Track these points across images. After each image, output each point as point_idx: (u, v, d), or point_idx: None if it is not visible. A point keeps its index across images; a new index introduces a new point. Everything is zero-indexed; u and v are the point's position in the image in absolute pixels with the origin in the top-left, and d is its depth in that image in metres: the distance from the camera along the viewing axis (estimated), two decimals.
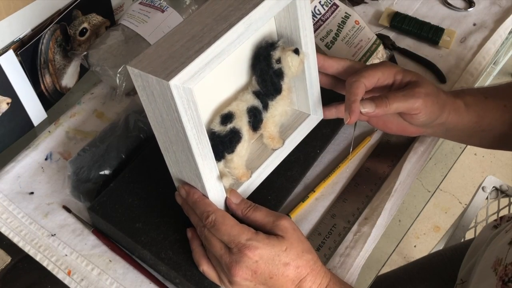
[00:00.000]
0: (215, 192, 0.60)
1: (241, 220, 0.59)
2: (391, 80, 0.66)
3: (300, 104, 0.71)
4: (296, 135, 0.70)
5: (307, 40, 0.64)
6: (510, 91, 0.71)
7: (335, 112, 0.71)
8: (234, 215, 0.59)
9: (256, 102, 0.63)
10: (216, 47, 0.53)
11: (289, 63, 0.62)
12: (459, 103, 0.68)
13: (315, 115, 0.71)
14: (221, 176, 0.60)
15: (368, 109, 0.63)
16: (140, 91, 0.54)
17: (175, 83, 0.50)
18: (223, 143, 0.60)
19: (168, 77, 0.50)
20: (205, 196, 0.59)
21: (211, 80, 0.59)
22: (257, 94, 0.63)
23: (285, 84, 0.64)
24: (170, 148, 0.57)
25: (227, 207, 0.61)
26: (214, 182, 0.59)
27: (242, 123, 0.61)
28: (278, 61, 0.62)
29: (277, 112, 0.65)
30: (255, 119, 0.63)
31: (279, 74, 0.63)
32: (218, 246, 0.57)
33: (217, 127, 0.60)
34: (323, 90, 0.70)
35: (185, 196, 0.61)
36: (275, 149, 0.67)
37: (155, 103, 0.54)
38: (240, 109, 0.61)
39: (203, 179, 0.57)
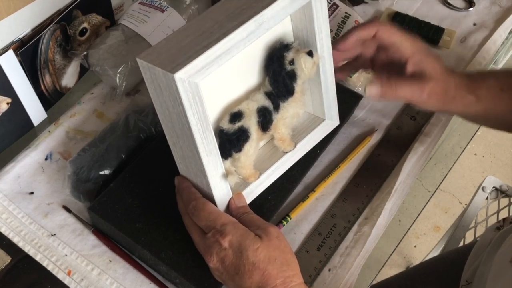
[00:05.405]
0: (220, 190, 0.59)
1: None
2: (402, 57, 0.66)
3: (316, 109, 0.70)
4: (309, 140, 0.69)
5: (323, 43, 0.64)
6: None
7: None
8: (230, 215, 0.59)
9: (267, 103, 0.62)
10: (225, 44, 0.53)
11: (302, 64, 0.62)
12: (471, 99, 0.66)
13: (331, 120, 0.70)
14: (227, 174, 0.60)
15: (374, 92, 0.63)
16: (148, 83, 0.55)
17: (180, 76, 0.50)
18: (230, 141, 0.60)
19: (174, 70, 0.50)
20: (194, 187, 0.60)
21: (224, 79, 0.59)
22: (268, 94, 0.63)
23: (298, 86, 0.64)
24: (177, 142, 0.58)
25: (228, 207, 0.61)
26: (219, 180, 0.59)
27: (251, 122, 0.61)
28: (291, 62, 0.62)
29: (288, 114, 0.64)
30: (265, 119, 0.62)
31: (292, 76, 0.62)
32: (197, 233, 0.57)
33: (226, 125, 0.60)
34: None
35: (177, 185, 0.62)
36: (286, 152, 0.67)
37: (162, 96, 0.54)
38: (250, 108, 0.61)
39: (207, 176, 0.57)
